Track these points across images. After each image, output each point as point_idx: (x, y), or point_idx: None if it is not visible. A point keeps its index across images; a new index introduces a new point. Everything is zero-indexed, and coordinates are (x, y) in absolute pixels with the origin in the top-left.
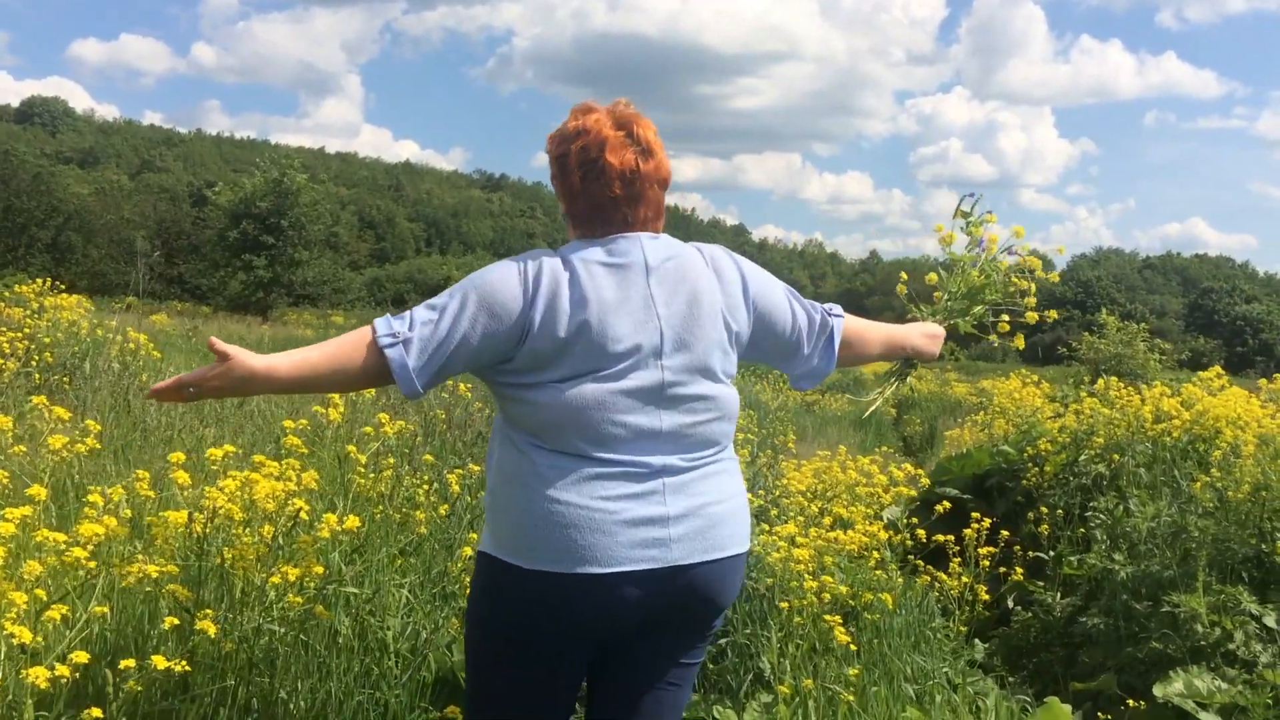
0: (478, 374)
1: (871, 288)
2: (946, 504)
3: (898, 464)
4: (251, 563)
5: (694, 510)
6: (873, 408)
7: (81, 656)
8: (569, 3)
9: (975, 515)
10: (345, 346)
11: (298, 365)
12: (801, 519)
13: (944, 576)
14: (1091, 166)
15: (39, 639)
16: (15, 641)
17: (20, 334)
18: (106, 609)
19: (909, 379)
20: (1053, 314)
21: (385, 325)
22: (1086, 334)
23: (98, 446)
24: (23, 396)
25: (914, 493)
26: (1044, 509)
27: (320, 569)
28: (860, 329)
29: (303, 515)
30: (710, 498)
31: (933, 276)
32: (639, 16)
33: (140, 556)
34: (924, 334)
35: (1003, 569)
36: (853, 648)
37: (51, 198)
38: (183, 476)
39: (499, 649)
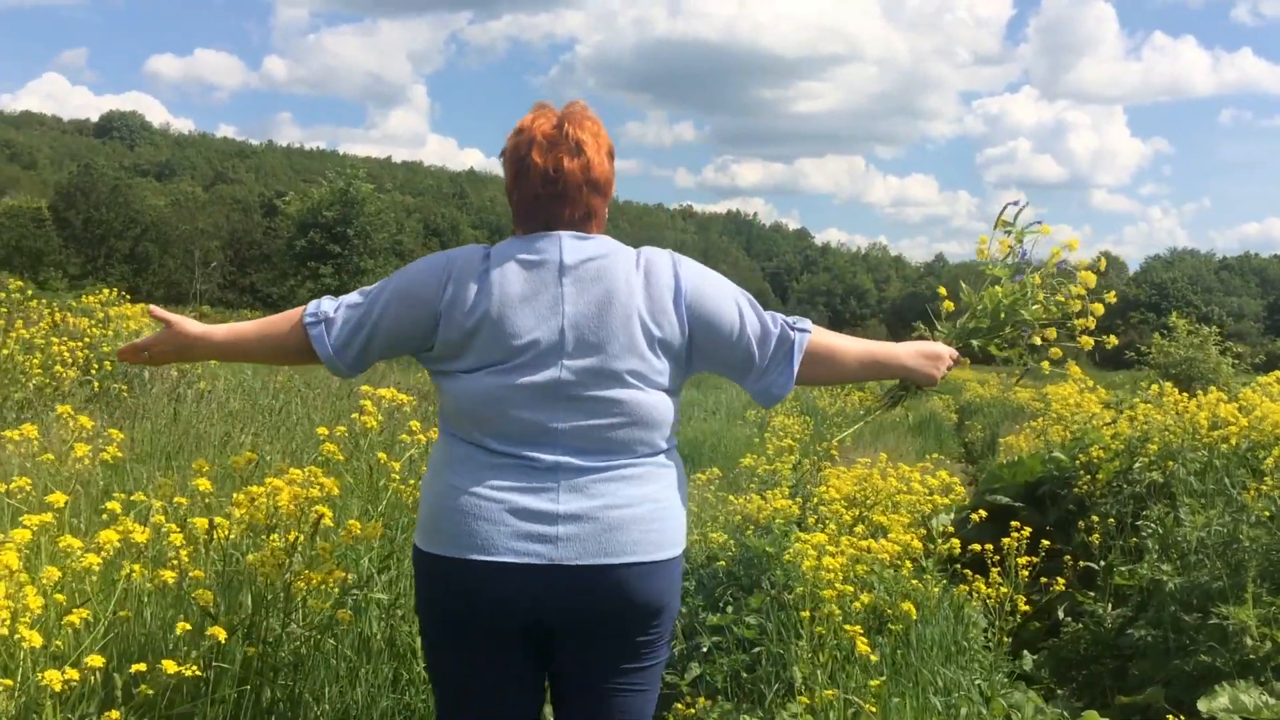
0: (418, 360)
1: (936, 291)
2: (983, 512)
3: (949, 471)
4: (273, 568)
5: (589, 512)
6: (847, 434)
7: (97, 660)
8: (630, 10)
9: (1014, 525)
10: (277, 321)
11: (231, 332)
12: (834, 527)
13: (981, 586)
14: (1165, 166)
15: (58, 643)
16: (26, 645)
17: (81, 343)
18: (129, 613)
19: (900, 404)
20: (1112, 339)
21: (315, 305)
22: (1157, 336)
23: (119, 455)
24: (82, 404)
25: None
26: (1095, 517)
27: (342, 574)
28: (830, 345)
29: (326, 521)
30: (612, 501)
31: (968, 292)
32: (699, 22)
33: (174, 561)
34: (919, 354)
35: (1045, 579)
36: (873, 658)
37: (129, 209)
38: (204, 484)
39: (437, 634)
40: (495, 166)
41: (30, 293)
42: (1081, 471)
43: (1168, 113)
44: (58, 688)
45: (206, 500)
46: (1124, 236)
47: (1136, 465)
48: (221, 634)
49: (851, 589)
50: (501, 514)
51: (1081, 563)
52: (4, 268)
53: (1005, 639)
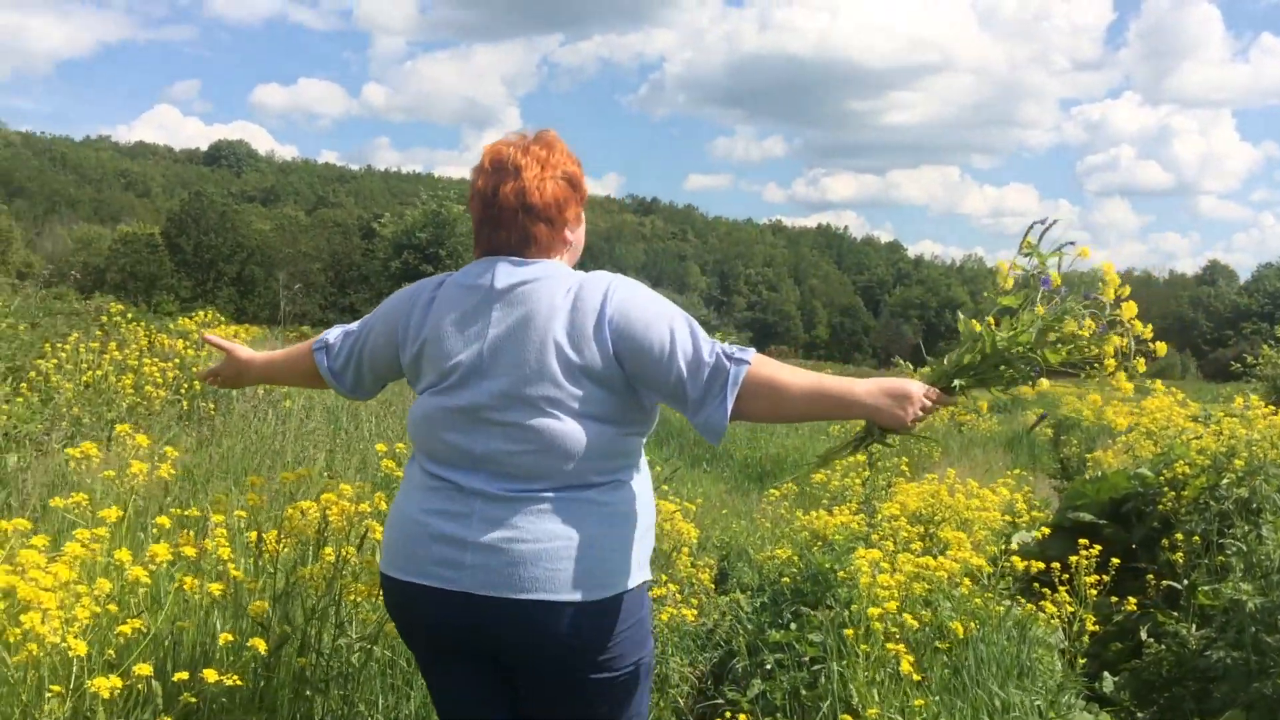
0: None
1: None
2: (1045, 530)
3: (1032, 487)
4: (321, 580)
5: (498, 543)
6: (816, 470)
7: (145, 669)
8: (720, 26)
9: (1083, 543)
10: (301, 348)
11: (267, 359)
12: (890, 544)
13: (1048, 605)
14: (1277, 171)
15: (110, 652)
16: (72, 654)
17: (171, 364)
18: (187, 624)
19: (864, 448)
20: (1159, 387)
21: (325, 334)
22: (1265, 348)
23: (173, 473)
24: (170, 422)
25: (1033, 518)
26: (1179, 535)
27: None
28: (774, 378)
29: (376, 535)
30: (522, 534)
31: (975, 325)
32: (790, 36)
33: (220, 572)
34: (882, 391)
35: (1122, 598)
36: (915, 677)
37: (236, 234)
38: (254, 499)
39: (414, 651)
40: (586, 185)
41: (130, 315)
42: (1166, 488)
43: (1279, 116)
44: (106, 695)
45: (258, 515)
46: (1234, 244)
47: (1224, 482)
48: (262, 645)
49: (894, 606)
50: (425, 537)
51: (1165, 582)
52: (120, 291)
53: (1080, 659)
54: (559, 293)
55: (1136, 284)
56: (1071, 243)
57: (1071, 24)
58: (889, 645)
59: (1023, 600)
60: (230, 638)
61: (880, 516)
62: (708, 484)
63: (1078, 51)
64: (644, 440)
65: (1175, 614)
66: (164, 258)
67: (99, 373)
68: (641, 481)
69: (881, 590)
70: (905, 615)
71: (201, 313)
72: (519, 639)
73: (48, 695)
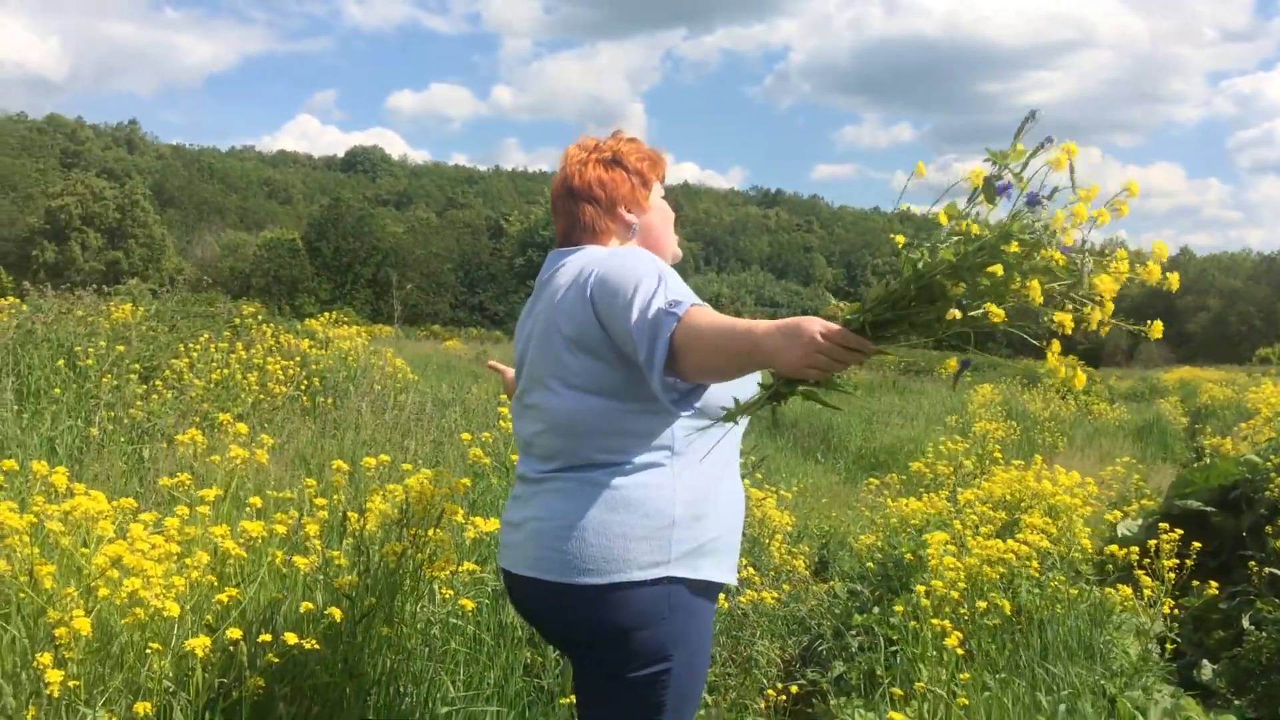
0: None
1: (1183, 287)
2: (1118, 513)
3: (1143, 475)
4: (396, 557)
5: (525, 522)
6: (717, 439)
7: (235, 633)
8: (845, 12)
9: (1163, 527)
10: None
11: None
12: (958, 525)
13: (1125, 589)
14: None
15: (209, 617)
16: (167, 615)
17: (294, 361)
18: (278, 594)
19: (779, 403)
20: (1157, 328)
21: None
22: None
23: (265, 459)
24: (293, 415)
25: (1140, 506)
26: None
27: (472, 565)
28: (698, 326)
29: (457, 518)
30: (537, 513)
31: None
32: (918, 18)
33: (308, 547)
34: (777, 329)
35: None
36: (960, 651)
37: (372, 238)
38: (340, 480)
39: None
40: (709, 179)
41: (260, 317)
42: (1274, 474)
43: None
44: (200, 654)
45: (345, 497)
46: None
47: None
48: (337, 614)
49: (945, 587)
50: (503, 523)
51: (1267, 569)
52: (265, 295)
53: (1170, 645)
54: (571, 271)
55: None
56: (1050, 138)
57: None
58: (934, 621)
59: (1119, 587)
60: (310, 606)
61: (962, 503)
62: (818, 475)
63: (1226, 21)
64: (671, 421)
65: (1278, 601)
66: (304, 261)
67: (227, 371)
68: (676, 471)
69: (949, 572)
70: (958, 596)
71: (326, 314)
72: (540, 619)
73: (149, 652)
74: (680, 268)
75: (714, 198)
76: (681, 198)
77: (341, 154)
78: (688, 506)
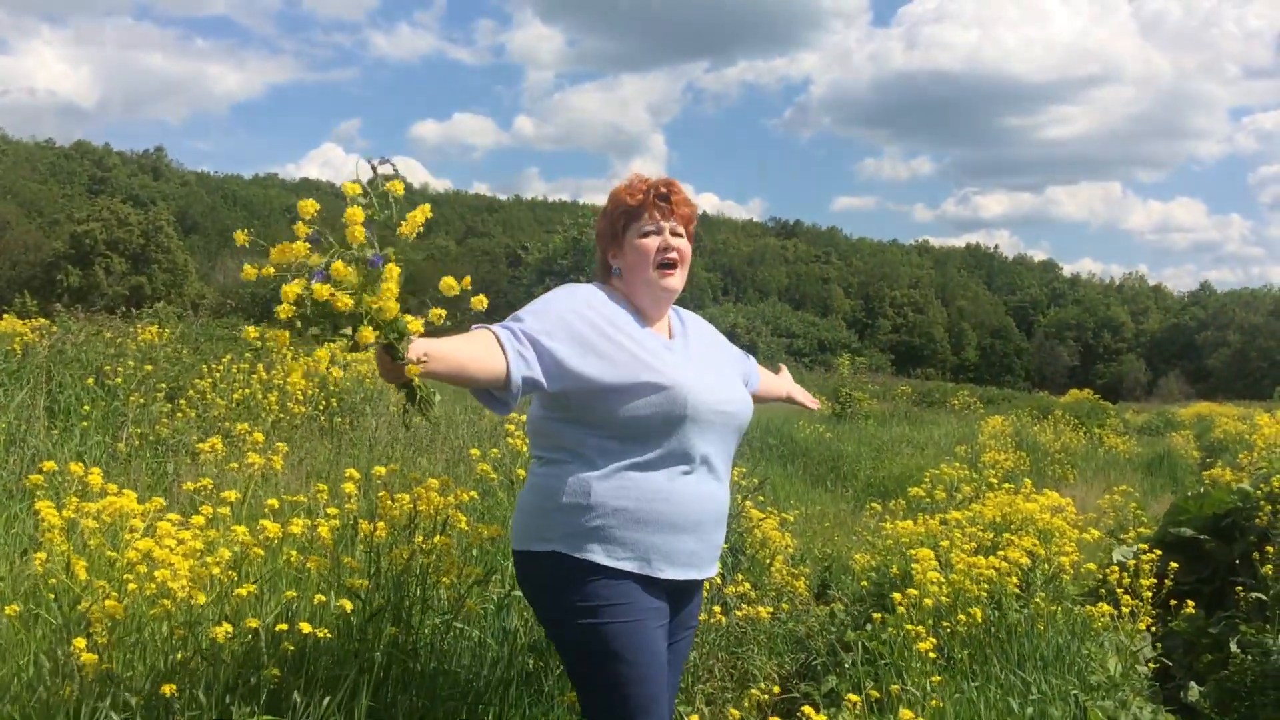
0: None
1: (1203, 321)
2: (1095, 532)
3: (1140, 504)
4: (404, 561)
5: None
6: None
7: (253, 622)
8: (866, 46)
9: (1143, 546)
10: None
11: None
12: (946, 544)
13: (1104, 606)
14: None
15: (228, 608)
16: (193, 603)
17: (313, 382)
18: (293, 594)
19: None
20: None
21: None
22: None
23: (280, 466)
24: (311, 434)
25: (1136, 534)
26: (1270, 549)
27: (475, 570)
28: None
29: (462, 526)
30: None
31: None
32: (939, 52)
33: (318, 547)
34: None
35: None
36: (931, 655)
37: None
38: (350, 488)
39: None
40: (728, 209)
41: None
42: (1264, 502)
43: None
44: (222, 640)
45: (357, 504)
46: None
47: None
48: (348, 605)
49: (916, 592)
50: None
51: (1254, 594)
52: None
53: (1150, 664)
54: None
55: None
56: (389, 164)
57: (1242, 29)
58: (908, 626)
59: (1101, 605)
60: (322, 598)
61: (952, 524)
62: (825, 502)
63: (1249, 58)
64: (585, 431)
65: (1266, 625)
66: None
67: (248, 391)
68: (575, 469)
69: (933, 587)
70: (931, 604)
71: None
72: None
73: (175, 639)
74: (697, 298)
75: (733, 228)
76: (700, 229)
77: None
78: (573, 497)
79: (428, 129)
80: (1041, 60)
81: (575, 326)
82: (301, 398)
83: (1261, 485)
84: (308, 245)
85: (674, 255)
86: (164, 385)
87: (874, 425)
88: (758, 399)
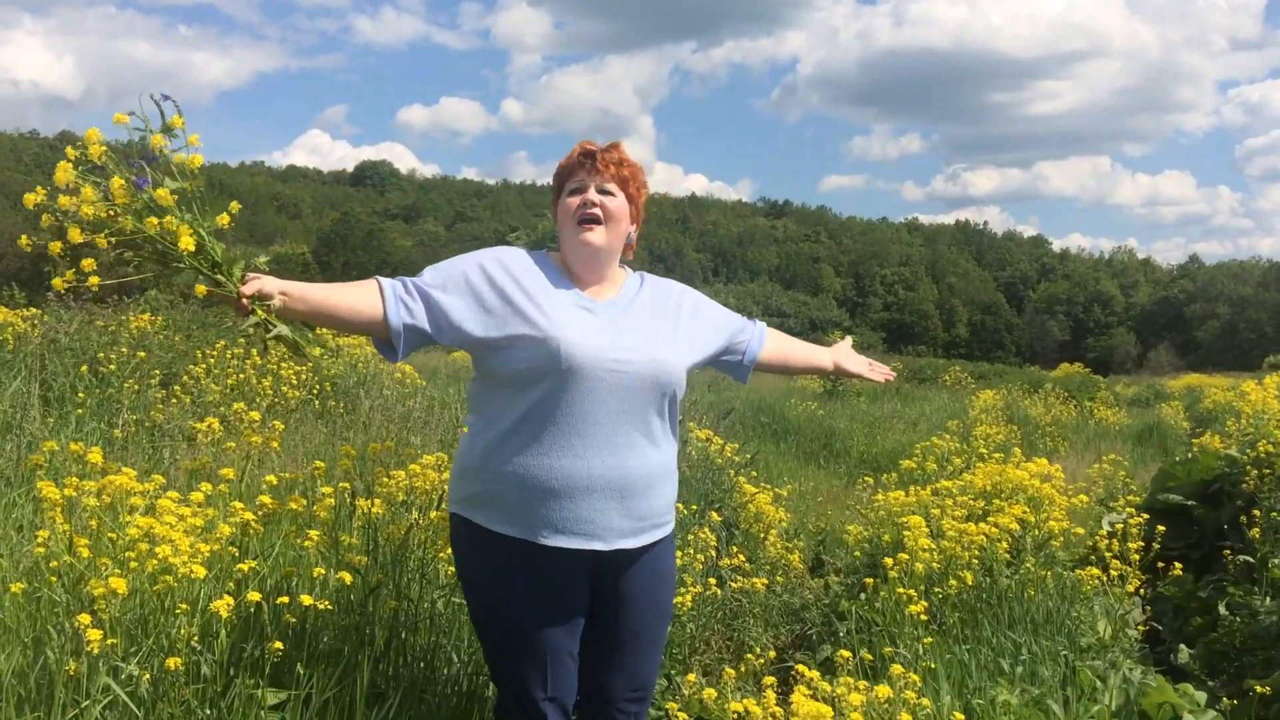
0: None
1: (1192, 294)
2: (1084, 498)
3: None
4: (403, 537)
5: None
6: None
7: (255, 595)
8: (853, 24)
9: (1130, 510)
10: None
11: None
12: (937, 512)
13: (1093, 570)
14: None
15: (230, 584)
16: (194, 577)
17: (306, 368)
18: (291, 570)
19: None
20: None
21: None
22: None
23: (276, 445)
24: (305, 417)
25: (1126, 501)
26: (1256, 512)
27: None
28: None
29: None
30: None
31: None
32: (926, 29)
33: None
34: None
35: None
36: (923, 618)
37: (382, 251)
38: (346, 463)
39: None
40: (717, 190)
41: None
42: (1250, 468)
43: None
44: (225, 614)
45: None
46: None
47: None
48: (348, 578)
49: (907, 556)
50: None
51: (1241, 557)
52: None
53: (1140, 627)
54: None
55: None
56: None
57: (1229, 2)
58: (900, 590)
59: (1095, 571)
60: (322, 571)
61: (943, 493)
62: (819, 478)
63: (1236, 30)
64: (491, 390)
65: (1254, 588)
66: (315, 275)
67: (242, 376)
68: (477, 431)
69: (924, 553)
70: (917, 565)
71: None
72: None
73: (178, 613)
74: (689, 278)
75: (722, 209)
76: (689, 209)
77: (351, 168)
78: (468, 459)
79: (415, 114)
80: (1028, 35)
81: (471, 281)
82: (296, 381)
83: (1248, 451)
84: (75, 168)
85: (594, 211)
86: (158, 372)
87: (866, 402)
88: (776, 368)
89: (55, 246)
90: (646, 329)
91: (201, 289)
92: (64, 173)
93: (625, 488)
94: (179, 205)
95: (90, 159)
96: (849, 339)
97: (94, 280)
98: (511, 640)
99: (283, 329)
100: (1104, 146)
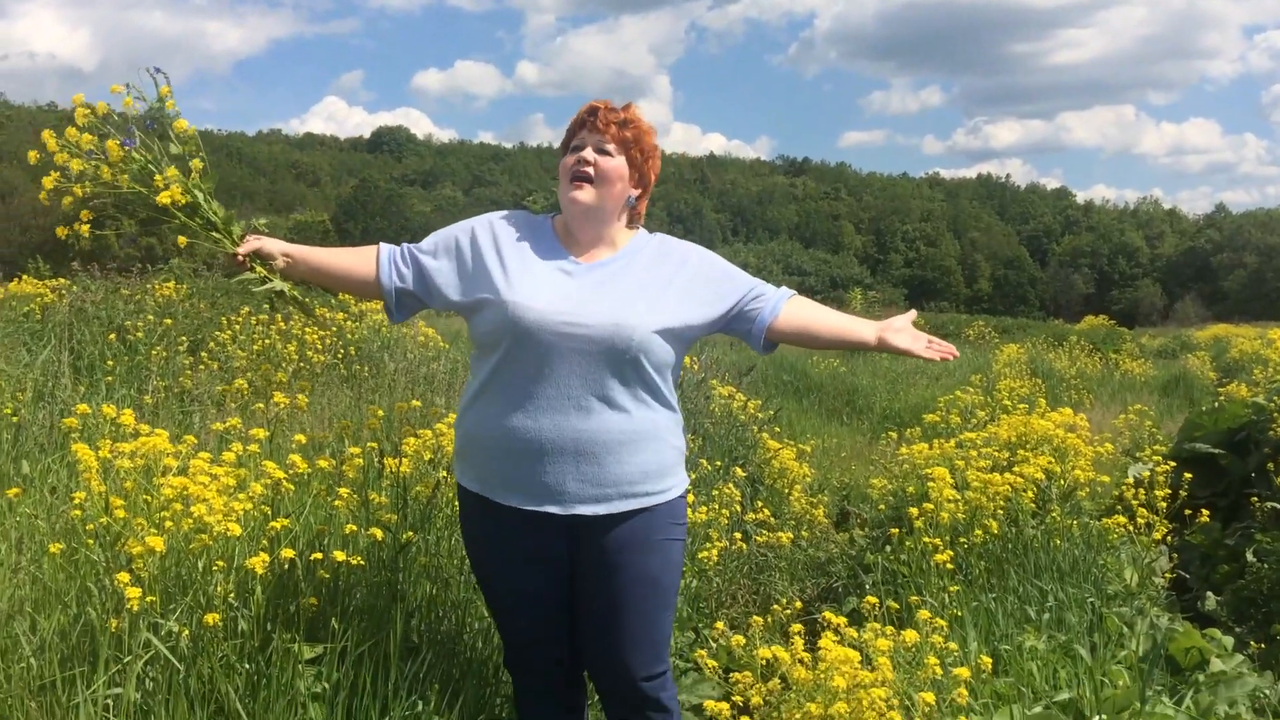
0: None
1: (1218, 244)
2: (1110, 446)
3: (1157, 424)
4: (431, 494)
5: None
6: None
7: (289, 553)
8: None
9: (1156, 459)
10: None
11: None
12: (961, 463)
13: (1119, 518)
14: None
15: (264, 541)
16: (230, 535)
17: (330, 331)
18: (324, 527)
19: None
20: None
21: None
22: None
23: (304, 403)
24: (331, 381)
25: (1153, 451)
26: None
27: None
28: None
29: None
30: None
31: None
32: None
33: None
34: None
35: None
36: (949, 566)
37: (400, 217)
38: (374, 424)
39: None
40: (736, 149)
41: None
42: (1277, 415)
43: None
44: (260, 570)
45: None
46: None
47: None
48: (378, 534)
49: (932, 508)
50: None
51: (1269, 504)
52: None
53: (1166, 575)
54: None
55: None
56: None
57: None
58: (925, 539)
59: (1122, 519)
60: (354, 528)
61: (967, 445)
62: (842, 435)
63: None
64: (474, 353)
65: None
66: (334, 242)
67: (267, 342)
68: (467, 396)
69: (949, 504)
70: (942, 514)
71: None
72: None
73: (214, 570)
74: (709, 238)
75: (740, 168)
76: (708, 169)
77: (368, 135)
78: (458, 419)
79: (430, 78)
80: None
81: (459, 244)
82: (320, 346)
83: (1276, 398)
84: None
85: (586, 169)
86: (184, 339)
87: (888, 359)
88: (797, 339)
89: (67, 201)
90: (627, 291)
91: (183, 240)
92: (53, 141)
93: (580, 452)
94: (180, 170)
95: (78, 124)
96: (912, 313)
97: (84, 229)
98: (492, 592)
99: (280, 284)
100: (1128, 95)
